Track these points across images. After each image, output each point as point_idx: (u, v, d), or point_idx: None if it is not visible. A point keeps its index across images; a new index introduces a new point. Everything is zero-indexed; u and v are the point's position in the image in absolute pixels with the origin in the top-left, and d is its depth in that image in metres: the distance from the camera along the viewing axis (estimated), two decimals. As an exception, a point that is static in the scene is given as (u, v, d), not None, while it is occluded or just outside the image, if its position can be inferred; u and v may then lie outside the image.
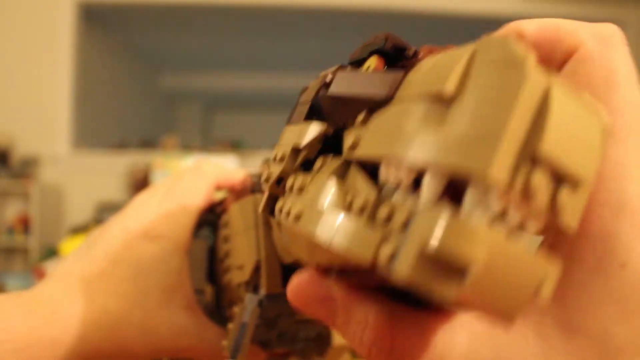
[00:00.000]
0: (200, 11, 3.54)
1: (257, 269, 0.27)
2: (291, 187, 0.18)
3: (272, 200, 0.21)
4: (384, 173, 0.14)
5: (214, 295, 0.34)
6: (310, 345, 0.35)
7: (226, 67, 5.00)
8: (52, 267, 1.83)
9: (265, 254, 0.27)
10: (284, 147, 0.20)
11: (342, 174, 0.16)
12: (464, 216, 0.11)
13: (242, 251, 0.28)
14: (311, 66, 4.63)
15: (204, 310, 0.32)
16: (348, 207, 0.15)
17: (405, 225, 0.12)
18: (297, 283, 0.16)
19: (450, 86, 0.12)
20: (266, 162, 0.30)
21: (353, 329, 0.14)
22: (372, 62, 0.17)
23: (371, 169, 0.15)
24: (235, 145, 4.00)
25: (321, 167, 0.18)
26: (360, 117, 0.16)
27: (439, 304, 0.14)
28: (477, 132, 0.11)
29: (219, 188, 0.33)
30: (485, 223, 0.11)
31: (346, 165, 0.17)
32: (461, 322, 0.14)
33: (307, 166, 0.20)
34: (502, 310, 0.12)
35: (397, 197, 0.13)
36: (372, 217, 0.14)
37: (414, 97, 0.14)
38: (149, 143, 3.67)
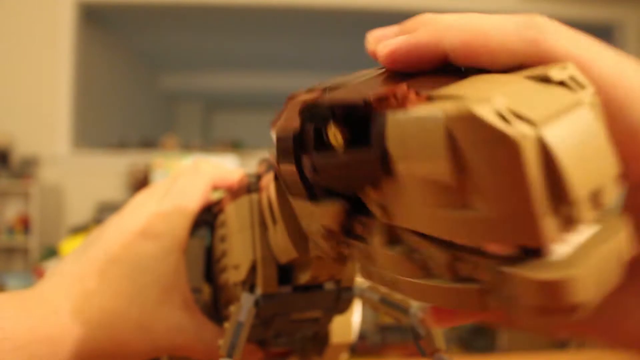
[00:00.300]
0: (200, 11, 3.54)
1: (253, 269, 0.27)
2: (361, 254, 0.18)
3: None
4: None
5: (212, 295, 0.34)
6: (309, 344, 0.35)
7: (226, 67, 5.00)
8: (52, 267, 1.83)
9: (262, 254, 0.27)
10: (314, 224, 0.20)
11: (391, 236, 0.17)
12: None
13: (238, 251, 0.28)
14: (311, 66, 4.64)
15: (201, 310, 0.32)
16: (423, 268, 0.15)
17: (497, 282, 0.13)
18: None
19: (451, 177, 0.12)
20: (263, 161, 0.30)
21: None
22: (336, 133, 0.16)
23: None
24: (235, 145, 4.00)
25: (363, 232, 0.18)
26: (369, 189, 0.16)
27: None
28: (509, 212, 0.12)
29: (216, 188, 0.34)
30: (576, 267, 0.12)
31: (388, 227, 0.17)
32: None
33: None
34: (607, 285, 0.13)
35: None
36: (455, 274, 0.14)
37: (414, 175, 0.14)
38: (149, 143, 3.67)
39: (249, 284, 0.28)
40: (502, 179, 0.12)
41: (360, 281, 0.30)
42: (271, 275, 0.27)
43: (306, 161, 0.18)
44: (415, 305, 0.29)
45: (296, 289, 0.28)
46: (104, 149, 3.34)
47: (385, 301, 0.30)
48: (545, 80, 0.13)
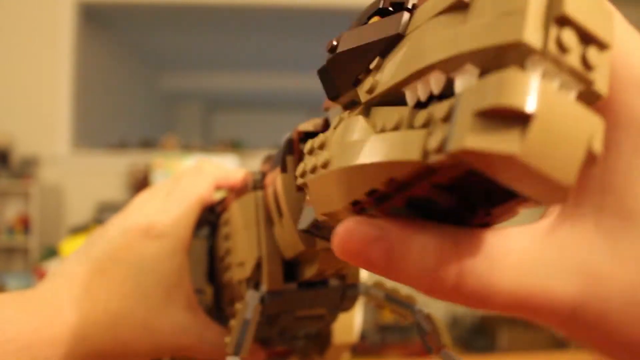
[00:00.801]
0: (200, 11, 3.54)
1: (258, 266, 0.27)
2: (311, 149, 0.18)
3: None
4: (410, 95, 0.15)
5: (214, 295, 0.34)
6: (310, 344, 0.35)
7: (226, 67, 5.00)
8: (53, 267, 1.83)
9: (267, 251, 0.27)
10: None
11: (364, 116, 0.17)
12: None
13: (243, 248, 0.28)
14: (311, 66, 4.63)
15: (204, 310, 0.32)
16: (381, 131, 0.15)
17: (448, 116, 0.12)
18: (345, 229, 0.14)
19: None
20: (267, 159, 0.30)
21: (413, 261, 0.14)
22: (373, 21, 0.17)
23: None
24: (235, 145, 4.00)
25: (339, 123, 0.18)
26: (374, 63, 0.16)
27: (487, 212, 0.14)
28: (502, 11, 0.12)
29: (218, 188, 0.34)
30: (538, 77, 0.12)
31: (366, 110, 0.17)
32: (518, 230, 0.14)
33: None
34: (562, 168, 0.12)
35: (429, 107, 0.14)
36: (410, 127, 0.14)
37: (426, 19, 0.14)
38: (149, 143, 3.67)
39: (254, 281, 0.28)
40: None
41: (365, 278, 0.30)
42: (277, 271, 0.27)
43: (329, 42, 0.18)
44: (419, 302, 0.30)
45: (301, 286, 0.28)
46: (104, 149, 3.34)
47: (390, 298, 0.30)
48: None
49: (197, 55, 4.71)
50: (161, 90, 5.26)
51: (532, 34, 0.12)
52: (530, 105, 0.11)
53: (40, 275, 1.71)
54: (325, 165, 0.16)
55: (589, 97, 0.13)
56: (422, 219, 0.15)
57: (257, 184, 0.29)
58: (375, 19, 0.18)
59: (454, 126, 0.12)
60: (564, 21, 0.12)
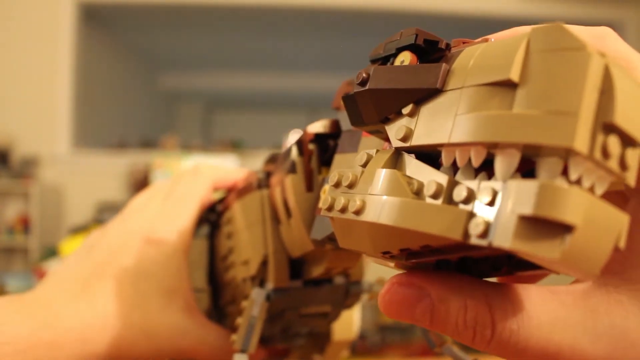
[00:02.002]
0: (200, 11, 3.54)
1: (264, 264, 0.28)
2: (337, 184, 0.18)
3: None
4: (447, 157, 0.15)
5: (213, 294, 0.34)
6: (310, 341, 0.35)
7: (226, 67, 5.00)
8: (53, 267, 1.83)
9: (273, 249, 0.27)
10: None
11: (394, 165, 0.17)
12: (553, 182, 0.12)
13: (247, 246, 0.29)
14: (311, 66, 4.64)
15: (205, 309, 0.32)
16: (417, 192, 0.15)
17: (493, 201, 0.13)
18: (389, 293, 0.16)
19: (516, 72, 0.13)
20: (271, 159, 0.30)
21: (454, 316, 0.15)
22: (406, 57, 0.18)
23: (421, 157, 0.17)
24: (235, 145, 4.00)
25: (367, 161, 0.18)
26: (407, 109, 0.17)
27: (511, 272, 0.16)
28: (554, 109, 0.12)
29: (217, 189, 0.34)
30: (575, 186, 0.12)
31: (396, 155, 0.17)
32: (550, 290, 0.15)
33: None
34: (591, 263, 0.13)
35: (466, 178, 0.15)
36: (449, 198, 0.14)
37: (469, 85, 0.15)
38: (149, 143, 3.67)
39: (260, 279, 0.28)
40: (561, 83, 0.12)
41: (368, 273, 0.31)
42: (283, 269, 0.27)
43: (360, 73, 0.18)
44: None
45: (307, 283, 0.28)
46: (104, 149, 3.34)
47: None
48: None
49: (197, 55, 4.71)
50: (161, 90, 5.26)
51: (582, 141, 0.12)
52: (573, 218, 0.12)
53: (40, 275, 1.71)
54: (358, 212, 0.17)
55: (617, 184, 0.14)
56: (452, 273, 0.16)
57: (262, 182, 0.29)
58: (406, 54, 0.18)
59: (499, 222, 0.12)
60: (611, 128, 0.13)
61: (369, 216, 0.16)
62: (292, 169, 0.24)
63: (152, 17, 3.78)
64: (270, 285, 0.27)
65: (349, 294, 0.30)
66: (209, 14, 3.62)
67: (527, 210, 0.12)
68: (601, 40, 0.17)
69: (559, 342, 0.15)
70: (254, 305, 0.27)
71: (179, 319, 0.29)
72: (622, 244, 0.13)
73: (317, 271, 0.26)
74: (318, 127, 0.25)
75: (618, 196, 0.17)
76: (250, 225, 0.29)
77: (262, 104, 5.82)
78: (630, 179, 0.14)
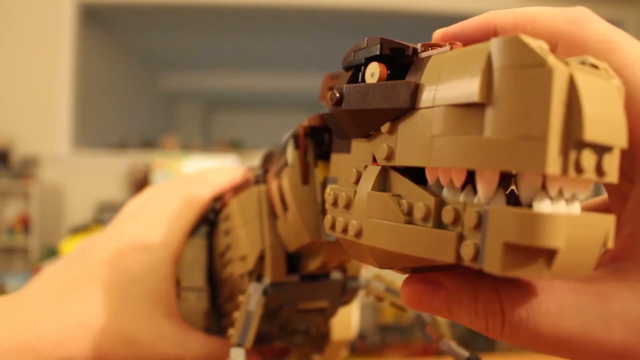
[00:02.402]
0: (200, 11, 3.54)
1: (261, 258, 0.28)
2: (335, 202, 0.19)
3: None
4: (430, 176, 0.16)
5: (211, 292, 0.34)
6: (309, 341, 0.35)
7: (226, 67, 5.00)
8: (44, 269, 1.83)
9: (270, 243, 0.27)
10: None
11: (383, 182, 0.17)
12: (530, 206, 0.13)
13: (245, 242, 0.29)
14: (311, 66, 4.63)
15: (204, 309, 0.32)
16: (408, 214, 0.16)
17: (478, 225, 0.13)
18: (408, 288, 0.17)
19: (481, 94, 0.13)
20: (267, 155, 0.30)
21: (467, 307, 0.16)
22: (375, 69, 0.18)
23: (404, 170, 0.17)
24: (235, 145, 4.00)
25: (358, 179, 0.18)
26: (385, 127, 0.17)
27: None
28: (522, 133, 0.12)
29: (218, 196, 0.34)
30: (553, 208, 0.13)
31: (384, 173, 0.17)
32: (556, 280, 0.16)
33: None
34: (580, 270, 0.13)
35: (451, 196, 0.15)
36: (439, 221, 0.15)
37: (439, 104, 0.15)
38: (149, 143, 3.67)
39: (257, 274, 0.28)
40: (527, 104, 0.12)
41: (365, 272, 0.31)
42: (280, 263, 0.27)
43: (333, 93, 0.19)
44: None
45: (304, 278, 0.28)
46: (104, 149, 3.34)
47: (390, 290, 0.31)
48: (582, 62, 0.14)
49: (197, 55, 4.71)
50: (161, 90, 5.26)
51: (554, 164, 0.12)
52: (555, 242, 0.12)
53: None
54: (357, 235, 0.17)
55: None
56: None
57: (260, 178, 0.29)
58: (375, 65, 0.18)
59: (486, 248, 0.13)
60: (583, 144, 0.13)
61: (367, 240, 0.17)
62: (288, 162, 0.25)
63: (152, 17, 3.77)
64: (267, 280, 0.27)
65: (346, 289, 0.30)
66: (209, 14, 3.62)
67: (510, 238, 0.12)
68: (578, 23, 0.16)
69: (569, 329, 0.15)
70: (251, 299, 0.27)
71: (164, 325, 0.29)
72: (610, 244, 0.14)
73: (313, 265, 0.27)
74: (313, 120, 0.25)
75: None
76: (247, 221, 0.29)
77: (262, 104, 5.82)
78: (612, 180, 0.14)
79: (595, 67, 0.14)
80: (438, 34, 0.19)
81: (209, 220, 0.35)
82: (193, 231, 0.34)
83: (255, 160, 0.32)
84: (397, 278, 0.31)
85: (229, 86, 5.31)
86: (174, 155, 2.94)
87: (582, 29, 0.16)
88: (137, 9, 3.53)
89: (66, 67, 3.13)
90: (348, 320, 0.35)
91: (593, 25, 0.16)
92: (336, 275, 0.29)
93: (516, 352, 2.43)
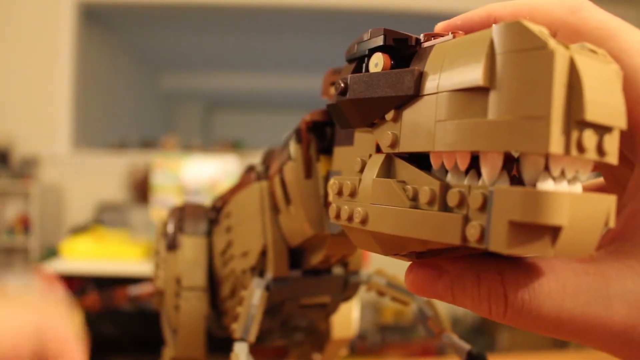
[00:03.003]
0: (200, 11, 3.54)
1: (263, 254, 0.28)
2: (339, 192, 0.19)
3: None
4: (434, 160, 0.16)
5: (210, 292, 0.34)
6: (309, 341, 0.35)
7: (226, 67, 4.99)
8: (52, 267, 1.83)
9: (272, 238, 0.27)
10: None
11: (388, 170, 0.18)
12: (533, 186, 0.13)
13: (247, 238, 0.29)
14: (311, 66, 4.63)
15: (205, 307, 0.32)
16: (413, 199, 0.16)
17: (483, 206, 0.13)
18: (413, 274, 0.17)
19: (484, 78, 0.14)
20: (270, 152, 0.30)
21: (470, 290, 0.16)
22: (379, 59, 0.18)
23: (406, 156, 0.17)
24: (235, 145, 3.99)
25: (362, 167, 0.19)
26: (390, 115, 0.17)
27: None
28: (525, 114, 0.13)
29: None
30: (556, 187, 0.13)
31: (388, 160, 0.18)
32: (560, 260, 0.16)
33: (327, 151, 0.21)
34: (584, 248, 0.14)
35: (455, 180, 0.15)
36: (444, 204, 0.15)
37: (443, 90, 0.15)
38: (149, 143, 3.67)
39: (259, 270, 0.28)
40: (529, 85, 0.13)
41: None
42: (282, 258, 0.27)
43: (338, 83, 0.19)
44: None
45: (306, 273, 0.28)
46: (104, 149, 3.33)
47: (391, 285, 0.31)
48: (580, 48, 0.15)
49: (197, 55, 4.70)
50: (161, 90, 5.26)
51: (557, 143, 0.12)
52: (559, 220, 0.13)
53: (40, 275, 1.71)
54: (363, 222, 0.18)
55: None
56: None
57: (261, 175, 0.29)
58: (379, 55, 0.18)
59: (491, 228, 0.13)
60: (584, 124, 0.13)
61: (373, 226, 0.17)
62: (291, 156, 0.25)
63: (152, 17, 3.77)
64: (269, 275, 0.27)
65: (347, 284, 0.30)
66: (208, 14, 3.62)
67: (516, 217, 0.13)
68: (576, 12, 0.17)
69: (571, 309, 0.15)
70: (254, 294, 0.27)
71: None
72: (611, 223, 0.14)
73: (316, 259, 0.27)
74: (316, 115, 0.25)
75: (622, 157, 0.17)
76: (249, 217, 0.29)
77: (262, 104, 5.82)
78: (612, 160, 0.14)
79: (593, 52, 0.14)
80: (440, 26, 0.19)
81: (209, 219, 0.35)
82: (193, 230, 0.34)
83: (255, 160, 0.32)
84: (398, 273, 0.31)
85: (229, 86, 5.31)
86: (174, 155, 2.93)
87: (580, 17, 0.17)
88: (137, 9, 3.53)
89: (66, 67, 3.13)
90: (348, 319, 0.35)
91: (591, 13, 0.17)
92: (338, 270, 0.29)
93: (516, 351, 2.43)
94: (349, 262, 0.29)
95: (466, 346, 0.28)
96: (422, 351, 2.48)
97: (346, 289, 0.30)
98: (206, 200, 0.35)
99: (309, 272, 0.29)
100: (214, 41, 4.30)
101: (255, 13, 3.56)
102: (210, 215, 0.34)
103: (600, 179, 0.20)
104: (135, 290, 0.77)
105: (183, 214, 0.35)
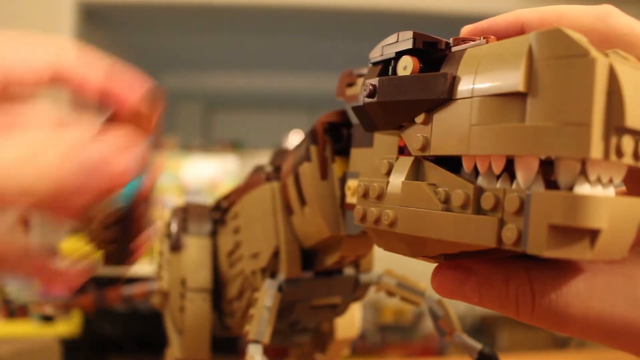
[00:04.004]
0: (200, 11, 3.54)
1: (275, 255, 0.28)
2: (365, 194, 0.19)
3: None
4: (467, 164, 0.16)
5: (213, 291, 0.34)
6: (312, 341, 0.35)
7: (226, 67, 4.99)
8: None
9: (285, 239, 0.27)
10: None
11: (417, 173, 0.18)
12: (570, 189, 0.13)
13: (257, 239, 0.29)
14: (311, 66, 4.64)
15: (209, 308, 0.32)
16: (445, 201, 0.16)
17: (520, 209, 0.14)
18: (440, 275, 0.17)
19: (523, 84, 0.14)
20: (280, 152, 0.30)
21: (498, 290, 0.16)
22: (408, 62, 0.18)
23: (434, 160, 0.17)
24: (235, 145, 3.99)
25: (389, 170, 0.19)
26: (420, 118, 0.17)
27: None
28: (567, 120, 0.13)
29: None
30: (595, 191, 0.13)
31: (417, 163, 0.18)
32: (587, 261, 0.16)
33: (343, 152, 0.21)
34: (618, 251, 0.14)
35: (486, 184, 0.15)
36: (478, 208, 0.15)
37: (478, 95, 0.15)
38: (149, 143, 3.66)
39: (270, 271, 0.28)
40: (570, 92, 0.13)
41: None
42: (295, 259, 0.28)
43: (366, 85, 0.19)
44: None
45: (317, 274, 0.28)
46: (104, 149, 3.33)
47: (402, 285, 0.31)
48: (615, 54, 0.15)
49: (197, 55, 4.70)
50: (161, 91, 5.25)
51: (597, 148, 0.13)
52: (599, 223, 0.13)
53: (40, 275, 1.71)
54: (391, 224, 0.18)
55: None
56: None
57: (272, 175, 0.29)
58: (407, 58, 0.18)
59: (530, 231, 0.13)
60: (623, 130, 0.13)
61: (403, 228, 0.17)
62: (307, 157, 0.25)
63: (152, 17, 3.77)
64: (282, 276, 0.27)
65: (358, 284, 0.30)
66: (209, 14, 3.62)
67: (555, 220, 0.13)
68: (605, 19, 0.17)
69: (599, 309, 0.15)
70: (267, 295, 0.27)
71: None
72: None
73: (331, 260, 0.27)
74: (331, 117, 0.25)
75: None
76: (260, 217, 0.29)
77: (262, 104, 5.82)
78: None
79: (626, 59, 0.15)
80: (466, 29, 0.19)
81: (213, 220, 0.34)
82: (197, 230, 0.34)
83: (255, 160, 0.32)
84: (407, 273, 0.31)
85: (229, 86, 5.31)
86: (174, 155, 2.93)
87: (608, 24, 0.17)
88: (137, 9, 3.53)
89: (66, 67, 3.12)
90: (352, 319, 0.35)
91: (619, 20, 0.17)
92: (349, 270, 0.29)
93: (516, 351, 2.43)
94: (360, 263, 0.29)
95: (478, 345, 0.28)
96: (422, 351, 2.49)
97: (357, 290, 0.30)
98: (207, 200, 0.35)
99: (321, 273, 0.29)
100: (213, 41, 4.30)
101: (256, 13, 3.56)
102: (214, 216, 0.34)
103: (622, 188, 0.20)
104: (128, 290, 0.77)
105: (186, 215, 0.35)
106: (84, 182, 0.22)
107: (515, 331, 2.60)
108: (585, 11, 0.17)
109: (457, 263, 0.17)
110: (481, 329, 2.89)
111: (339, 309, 0.31)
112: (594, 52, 0.13)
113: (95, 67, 0.27)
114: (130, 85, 0.25)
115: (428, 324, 2.18)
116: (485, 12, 0.20)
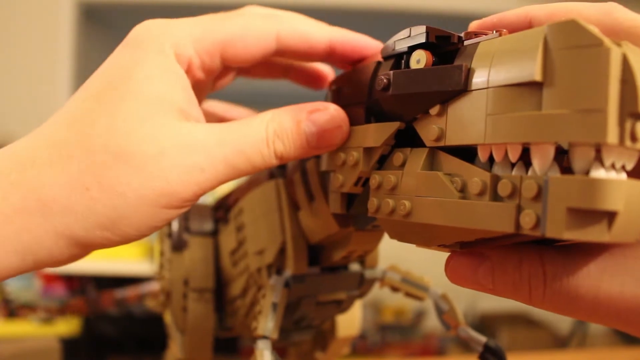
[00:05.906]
0: (199, 11, 3.54)
1: (281, 251, 0.28)
2: (379, 186, 0.19)
3: (346, 199, 0.23)
4: (483, 153, 0.16)
5: (216, 290, 0.34)
6: (312, 339, 0.35)
7: (226, 67, 4.99)
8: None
9: (292, 235, 0.27)
10: (353, 150, 0.21)
11: (431, 163, 0.18)
12: (586, 174, 0.14)
13: (262, 235, 0.29)
14: (311, 66, 4.63)
15: (211, 307, 0.32)
16: (461, 190, 0.16)
17: (538, 194, 0.14)
18: (455, 261, 0.18)
19: (539, 73, 0.14)
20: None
21: (511, 274, 0.16)
22: (421, 56, 0.18)
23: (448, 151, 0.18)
24: (235, 145, 3.99)
25: (404, 162, 0.19)
26: (435, 110, 0.18)
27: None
28: (582, 107, 0.13)
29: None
30: (610, 175, 0.14)
31: (431, 154, 0.18)
32: (595, 244, 0.16)
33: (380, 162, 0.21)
34: (633, 233, 0.14)
35: (502, 172, 0.16)
36: (495, 195, 0.15)
37: (494, 85, 0.16)
38: (149, 143, 3.66)
39: (277, 267, 0.28)
40: (586, 80, 0.13)
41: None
42: (302, 255, 0.27)
43: (381, 79, 0.19)
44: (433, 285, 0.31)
45: (323, 270, 0.28)
46: (104, 148, 3.33)
47: (406, 280, 0.31)
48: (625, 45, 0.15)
49: (197, 55, 4.70)
50: (161, 90, 5.25)
51: (613, 133, 0.13)
52: (616, 205, 0.13)
53: (41, 274, 1.72)
54: (407, 215, 0.18)
55: None
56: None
57: (276, 172, 0.29)
58: (421, 52, 0.19)
59: (549, 215, 0.14)
60: (637, 116, 0.14)
61: (419, 218, 0.17)
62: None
63: (152, 17, 3.77)
64: (288, 272, 0.27)
65: (364, 280, 0.30)
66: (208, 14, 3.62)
67: (573, 203, 0.13)
68: (610, 14, 0.18)
69: (609, 289, 0.15)
70: (274, 291, 0.27)
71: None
72: None
73: (338, 255, 0.27)
74: None
75: None
76: (265, 214, 0.29)
77: (262, 104, 5.82)
78: None
79: (635, 50, 0.15)
80: (475, 24, 0.20)
81: (215, 218, 0.34)
82: (199, 229, 0.34)
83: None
84: (412, 268, 0.31)
85: (228, 86, 5.31)
86: (174, 155, 2.92)
87: (614, 17, 0.17)
88: (137, 8, 3.53)
89: (66, 67, 3.13)
90: (353, 317, 0.35)
91: (623, 14, 0.17)
92: (355, 266, 0.29)
93: (516, 351, 2.43)
94: (366, 259, 0.29)
95: (482, 339, 0.28)
96: (422, 351, 2.49)
97: (362, 285, 0.30)
98: (207, 199, 0.35)
99: (326, 268, 0.29)
100: (214, 41, 4.30)
101: (255, 13, 3.56)
102: (217, 215, 0.34)
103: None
104: (121, 293, 0.77)
105: (188, 213, 0.35)
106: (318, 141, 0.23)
107: (515, 330, 2.60)
108: (590, 6, 0.18)
109: (469, 250, 0.17)
110: (481, 328, 2.89)
111: (343, 305, 0.31)
112: (608, 42, 0.13)
113: (320, 26, 0.28)
114: (357, 38, 0.27)
115: (428, 324, 2.18)
116: (485, 12, 0.20)
